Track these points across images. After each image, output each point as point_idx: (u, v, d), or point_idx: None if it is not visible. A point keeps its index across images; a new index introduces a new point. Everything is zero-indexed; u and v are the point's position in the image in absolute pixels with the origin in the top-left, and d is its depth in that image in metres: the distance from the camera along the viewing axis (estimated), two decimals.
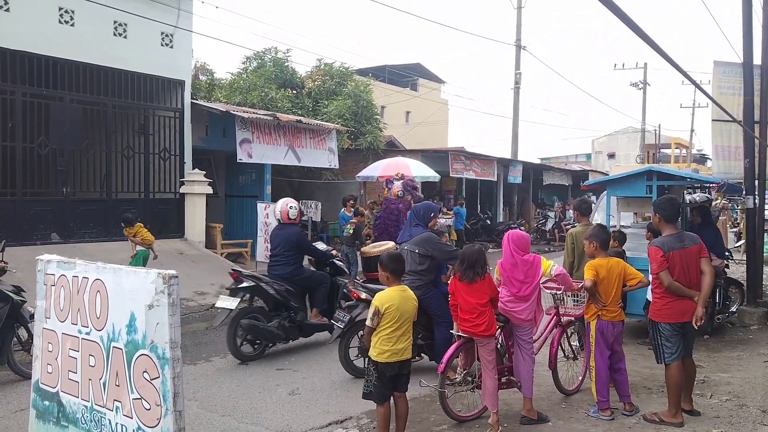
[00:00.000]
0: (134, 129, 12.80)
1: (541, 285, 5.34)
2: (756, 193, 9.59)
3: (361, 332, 6.57)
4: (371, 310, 4.47)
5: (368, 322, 4.47)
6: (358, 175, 17.21)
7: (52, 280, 3.32)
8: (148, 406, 2.73)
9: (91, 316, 3.05)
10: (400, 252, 6.38)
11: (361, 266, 12.14)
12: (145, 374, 2.73)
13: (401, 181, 13.12)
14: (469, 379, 5.07)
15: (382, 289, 6.52)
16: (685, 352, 5.15)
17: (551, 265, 5.24)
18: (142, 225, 10.01)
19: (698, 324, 4.90)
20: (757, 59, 9.87)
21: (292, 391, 6.01)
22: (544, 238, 23.18)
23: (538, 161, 37.01)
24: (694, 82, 6.46)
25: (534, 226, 24.12)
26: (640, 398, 5.70)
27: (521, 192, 25.53)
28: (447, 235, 18.05)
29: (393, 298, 4.49)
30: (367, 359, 4.68)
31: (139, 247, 9.94)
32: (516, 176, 23.23)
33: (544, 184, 26.39)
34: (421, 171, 16.37)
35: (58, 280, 3.27)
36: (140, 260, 9.89)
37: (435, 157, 19.73)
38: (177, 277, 2.65)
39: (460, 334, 5.07)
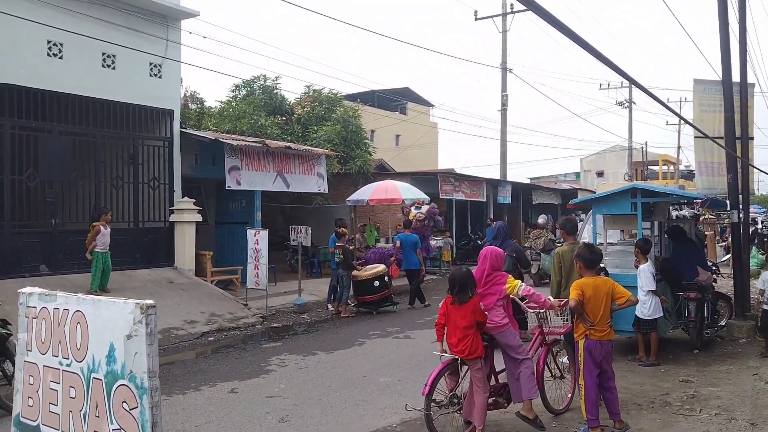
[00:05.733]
0: (124, 159, 12.84)
1: (523, 305, 5.43)
2: (740, 207, 9.70)
3: None
4: None
5: None
6: (348, 199, 17.29)
7: (33, 312, 3.31)
8: None
9: (71, 348, 3.04)
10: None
11: (353, 290, 12.22)
12: (125, 404, 2.72)
13: (427, 210, 14.49)
14: (455, 401, 5.08)
15: None
16: None
17: (518, 284, 5.30)
18: (93, 226, 10.79)
19: None
20: (736, 77, 10.07)
21: (281, 419, 5.97)
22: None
23: (528, 181, 37.22)
24: (672, 110, 6.61)
25: (525, 245, 24.13)
26: (631, 415, 5.70)
27: (511, 212, 25.63)
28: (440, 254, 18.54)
29: None
30: None
31: (98, 249, 10.72)
32: (505, 196, 23.36)
33: (534, 203, 26.53)
34: (410, 193, 16.48)
35: (40, 313, 3.26)
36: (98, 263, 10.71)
37: (425, 179, 19.86)
38: (154, 306, 2.66)
39: (443, 354, 5.09)
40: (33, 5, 10.72)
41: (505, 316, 5.28)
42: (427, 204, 16.03)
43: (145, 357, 2.65)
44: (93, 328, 2.93)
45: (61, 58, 11.33)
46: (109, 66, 12.09)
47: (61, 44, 11.28)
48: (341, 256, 11.93)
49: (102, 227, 10.81)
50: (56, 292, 3.26)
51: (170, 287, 11.88)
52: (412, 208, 15.37)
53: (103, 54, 11.94)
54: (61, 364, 3.09)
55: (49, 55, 11.19)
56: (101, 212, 11.17)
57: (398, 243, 13.19)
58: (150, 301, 2.69)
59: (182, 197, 13.27)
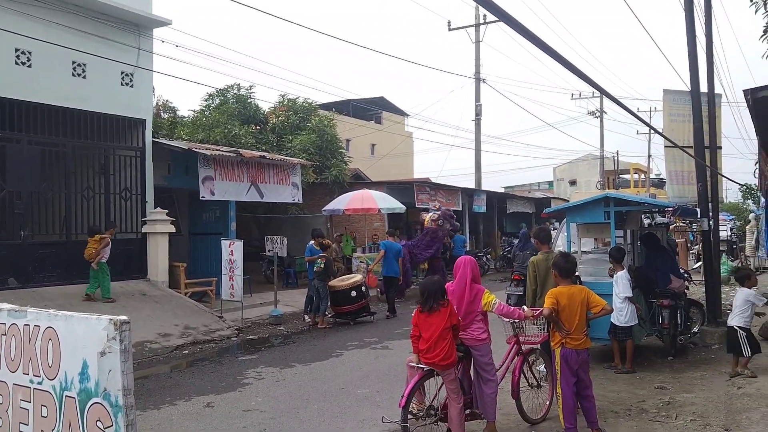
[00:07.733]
0: (95, 169, 12.60)
1: (498, 314, 5.46)
2: (710, 215, 9.89)
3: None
4: None
5: None
6: (324, 208, 17.23)
7: (3, 329, 3.21)
8: None
9: (43, 365, 2.95)
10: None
11: (330, 301, 12.14)
12: (99, 423, 2.64)
13: (439, 212, 14.71)
14: (432, 412, 5.05)
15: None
16: None
17: (493, 301, 5.32)
18: (96, 240, 11.13)
19: None
20: (704, 87, 10.30)
21: None
22: (510, 265, 23.36)
23: (503, 190, 37.56)
24: (643, 120, 6.73)
25: (500, 254, 24.36)
26: (608, 423, 5.74)
27: (486, 221, 25.81)
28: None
29: None
30: None
31: (104, 259, 11.15)
32: (480, 205, 23.52)
33: (508, 212, 26.77)
34: (386, 203, 16.49)
35: (9, 329, 3.16)
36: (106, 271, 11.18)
37: (401, 188, 19.90)
38: (128, 322, 2.59)
39: (419, 365, 5.05)
40: (0, 13, 10.51)
41: (484, 330, 5.27)
42: (437, 211, 16.11)
43: (119, 374, 2.58)
44: (65, 344, 2.85)
45: (29, 66, 11.11)
46: (79, 75, 11.88)
47: (30, 52, 11.05)
48: (322, 266, 11.85)
49: (109, 239, 11.34)
50: (26, 308, 3.16)
51: (143, 300, 11.67)
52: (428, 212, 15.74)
53: (74, 62, 11.74)
54: (32, 382, 3.00)
55: (17, 63, 10.96)
56: (109, 226, 11.83)
57: (382, 251, 13.18)
58: (124, 317, 2.63)
59: (155, 208, 13.06)
